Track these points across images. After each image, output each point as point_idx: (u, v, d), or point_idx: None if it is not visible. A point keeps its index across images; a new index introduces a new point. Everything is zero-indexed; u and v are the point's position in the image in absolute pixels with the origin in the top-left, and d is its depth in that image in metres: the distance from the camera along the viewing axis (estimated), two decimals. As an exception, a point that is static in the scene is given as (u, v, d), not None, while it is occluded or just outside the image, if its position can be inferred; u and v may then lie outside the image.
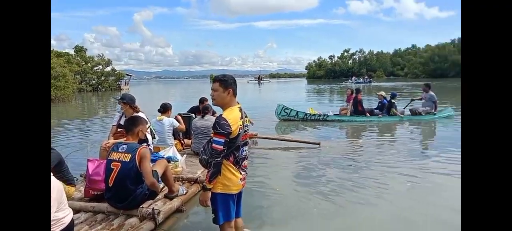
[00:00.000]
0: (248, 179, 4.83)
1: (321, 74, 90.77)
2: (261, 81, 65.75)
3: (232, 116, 2.52)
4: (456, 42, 72.91)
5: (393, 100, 10.51)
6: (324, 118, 10.49)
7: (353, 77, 56.89)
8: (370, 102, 14.37)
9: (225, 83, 2.60)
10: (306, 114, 10.65)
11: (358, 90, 10.88)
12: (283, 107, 10.82)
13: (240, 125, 2.56)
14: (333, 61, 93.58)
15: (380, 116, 10.31)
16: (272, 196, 4.25)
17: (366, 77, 57.46)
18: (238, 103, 2.63)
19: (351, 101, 10.67)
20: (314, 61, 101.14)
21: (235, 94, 2.66)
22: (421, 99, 11.05)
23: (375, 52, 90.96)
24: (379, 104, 10.71)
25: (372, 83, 48.74)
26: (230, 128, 2.46)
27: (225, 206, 2.65)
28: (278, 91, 35.99)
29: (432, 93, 10.66)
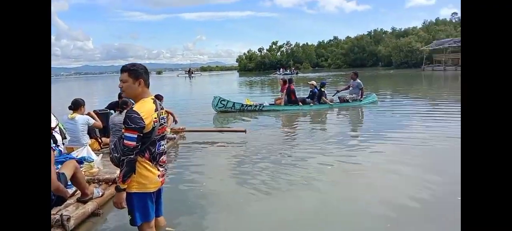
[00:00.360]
0: (174, 175, 4.66)
1: (252, 66, 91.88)
2: (192, 75, 64.38)
3: (145, 109, 2.33)
4: (372, 33, 79.53)
5: (322, 89, 11.15)
6: (260, 108, 10.82)
7: (281, 69, 58.46)
8: (299, 92, 14.98)
9: (135, 73, 2.38)
10: (242, 105, 10.84)
11: (290, 81, 11.37)
12: (219, 99, 10.85)
13: (155, 118, 2.37)
14: (262, 54, 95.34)
15: (312, 104, 10.89)
16: (199, 191, 4.11)
17: (293, 68, 59.69)
18: (160, 98, 2.42)
19: (285, 91, 11.07)
20: (244, 53, 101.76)
21: (147, 84, 2.46)
22: (348, 88, 11.84)
23: (301, 44, 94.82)
24: (311, 93, 11.31)
25: (299, 74, 50.92)
26: (143, 121, 2.27)
27: (142, 205, 2.46)
28: (210, 84, 35.62)
29: (359, 81, 11.49)
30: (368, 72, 43.16)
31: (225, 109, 10.77)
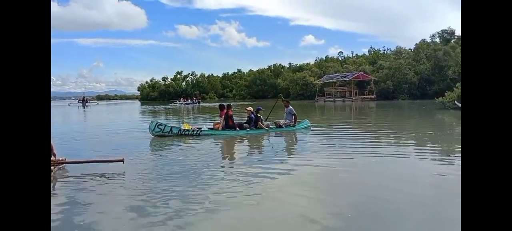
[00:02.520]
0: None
1: (155, 95, 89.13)
2: (87, 104, 58.96)
3: None
4: (272, 67, 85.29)
5: (258, 115, 11.61)
6: (198, 132, 10.81)
7: (181, 99, 56.76)
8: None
9: None
10: (180, 129, 10.81)
11: (229, 106, 11.68)
12: (156, 123, 10.93)
13: None
14: (167, 83, 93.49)
15: (248, 128, 11.26)
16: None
17: (195, 98, 59.09)
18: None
19: (223, 116, 11.30)
20: (147, 82, 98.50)
21: None
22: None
23: (206, 75, 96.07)
24: (248, 118, 11.64)
25: (201, 104, 50.98)
26: None
27: None
28: (109, 114, 33.01)
29: (291, 108, 12.31)
30: (270, 103, 45.66)
31: (162, 134, 10.67)
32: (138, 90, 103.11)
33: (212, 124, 12.31)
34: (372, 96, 46.00)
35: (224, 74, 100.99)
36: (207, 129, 11.30)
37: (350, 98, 45.64)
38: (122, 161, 6.25)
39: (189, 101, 53.92)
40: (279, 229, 3.55)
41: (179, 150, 8.62)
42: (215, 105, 46.99)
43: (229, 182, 5.22)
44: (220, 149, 8.91)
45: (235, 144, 9.66)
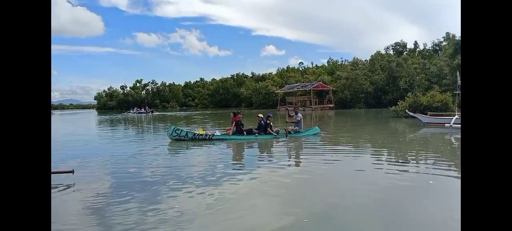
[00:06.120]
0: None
1: (113, 104, 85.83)
2: (38, 113, 55.47)
3: None
4: (235, 77, 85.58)
5: (268, 121, 12.10)
6: (210, 137, 11.62)
7: (135, 108, 57.38)
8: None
9: None
10: (194, 134, 11.81)
11: (238, 113, 12.52)
12: (174, 128, 12.12)
13: None
14: (126, 92, 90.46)
15: (257, 134, 11.84)
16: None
17: (147, 108, 58.68)
18: None
19: (234, 122, 12.03)
20: (104, 91, 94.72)
21: None
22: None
23: (167, 84, 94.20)
24: (258, 124, 12.21)
25: (155, 113, 51.03)
26: None
27: None
28: (64, 124, 31.27)
29: (299, 114, 12.95)
30: (235, 111, 45.80)
31: (179, 138, 11.70)
32: (95, 99, 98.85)
33: (225, 129, 13.14)
34: (331, 105, 47.53)
35: (186, 83, 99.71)
36: (219, 134, 12.06)
37: (310, 107, 46.82)
38: (72, 172, 6.08)
39: (142, 110, 54.40)
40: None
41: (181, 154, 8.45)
42: (177, 114, 46.74)
43: (186, 190, 5.23)
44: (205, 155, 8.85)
45: (227, 150, 10.03)
